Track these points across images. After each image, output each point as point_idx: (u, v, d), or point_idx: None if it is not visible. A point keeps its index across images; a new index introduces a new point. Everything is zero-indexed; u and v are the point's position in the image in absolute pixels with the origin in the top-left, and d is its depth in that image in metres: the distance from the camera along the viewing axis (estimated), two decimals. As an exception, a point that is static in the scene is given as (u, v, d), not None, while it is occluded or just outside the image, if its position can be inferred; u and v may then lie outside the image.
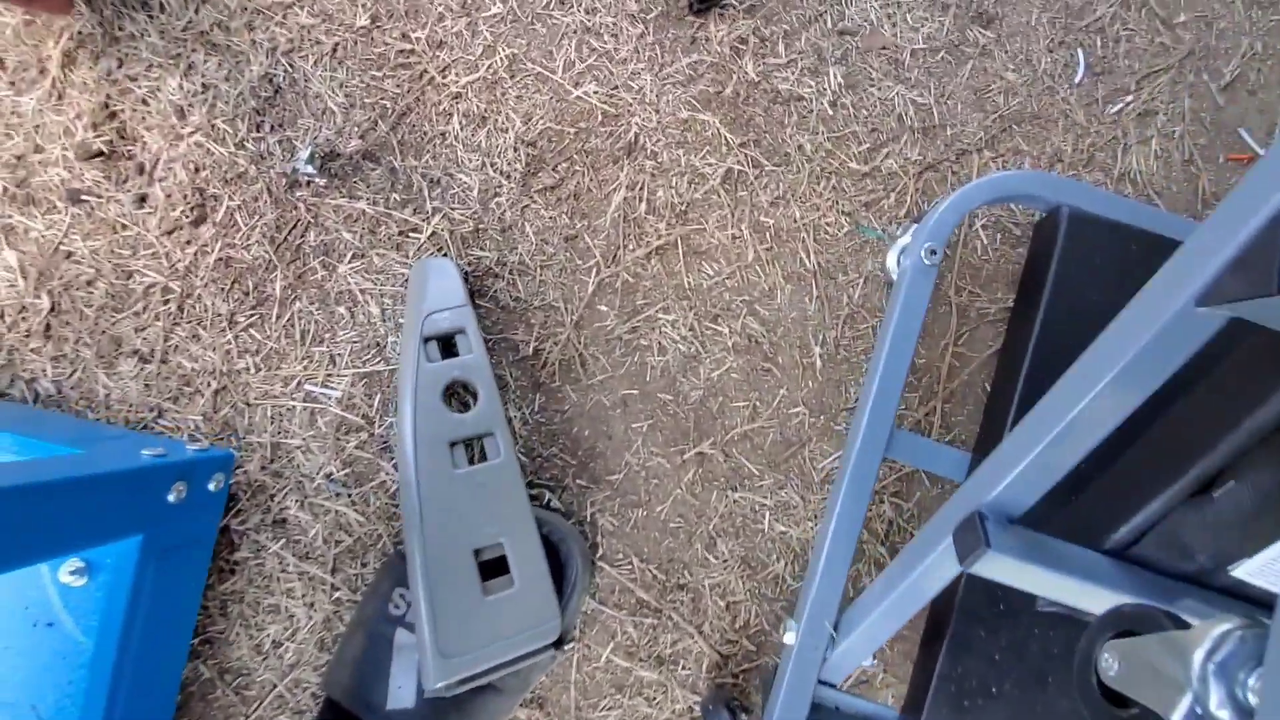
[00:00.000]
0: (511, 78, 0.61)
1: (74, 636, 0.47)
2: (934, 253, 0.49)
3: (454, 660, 0.46)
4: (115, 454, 0.43)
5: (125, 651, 0.46)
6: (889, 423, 0.49)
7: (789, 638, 0.47)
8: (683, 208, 0.60)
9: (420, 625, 0.47)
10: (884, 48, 0.62)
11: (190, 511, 0.45)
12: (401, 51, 0.61)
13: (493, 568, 0.50)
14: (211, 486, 0.47)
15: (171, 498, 0.43)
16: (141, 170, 0.61)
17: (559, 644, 0.52)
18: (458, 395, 0.55)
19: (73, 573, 0.46)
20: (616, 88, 0.61)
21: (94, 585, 0.46)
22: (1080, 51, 0.63)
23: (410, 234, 0.59)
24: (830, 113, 0.61)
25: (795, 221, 0.60)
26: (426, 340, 0.55)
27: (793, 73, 0.61)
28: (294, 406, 0.58)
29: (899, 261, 0.54)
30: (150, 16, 0.62)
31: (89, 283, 0.60)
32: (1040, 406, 0.33)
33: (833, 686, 0.48)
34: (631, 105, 0.61)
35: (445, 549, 0.48)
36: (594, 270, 0.59)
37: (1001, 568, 0.33)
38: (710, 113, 0.61)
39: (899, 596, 0.40)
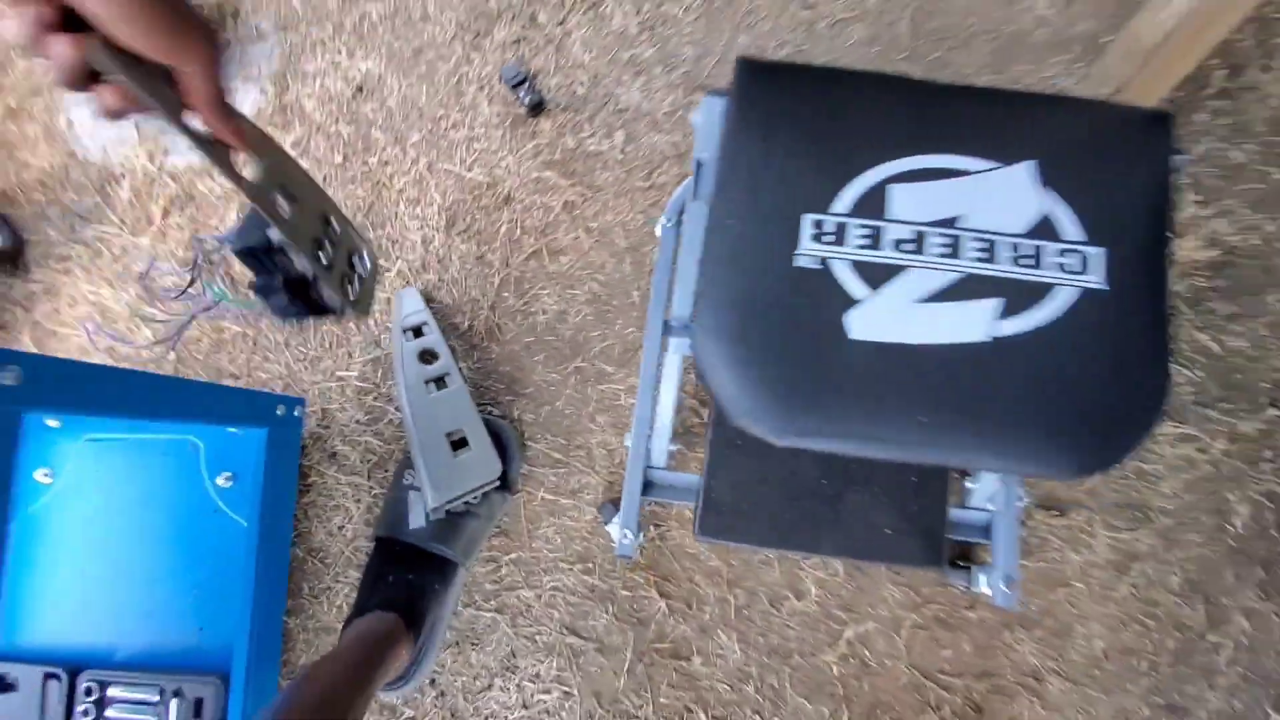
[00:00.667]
0: (430, 174, 1.02)
1: (231, 519, 0.82)
2: (669, 220, 0.88)
3: (442, 491, 0.82)
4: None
5: (265, 526, 0.81)
6: (662, 314, 0.86)
7: (627, 440, 0.83)
8: (543, 227, 0.99)
9: (421, 479, 0.83)
10: (647, 116, 1.03)
11: (288, 425, 0.82)
12: (364, 171, 1.02)
13: (458, 445, 0.86)
14: (296, 413, 0.84)
15: (279, 411, 0.79)
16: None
17: (510, 489, 0.87)
18: (426, 357, 0.92)
19: (225, 479, 0.82)
20: (494, 167, 1.02)
21: (239, 485, 0.82)
22: (768, 93, 1.04)
23: (385, 274, 0.98)
24: (621, 157, 1.01)
25: (611, 223, 0.99)
26: (405, 331, 0.92)
27: (595, 139, 1.02)
28: (331, 386, 0.95)
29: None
30: (214, 179, 1.03)
31: (196, 340, 0.98)
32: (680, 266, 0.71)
33: (659, 468, 0.83)
34: (504, 175, 1.01)
35: (429, 436, 0.85)
36: (497, 274, 0.98)
37: (679, 345, 0.70)
38: (551, 171, 1.01)
39: (662, 386, 0.76)
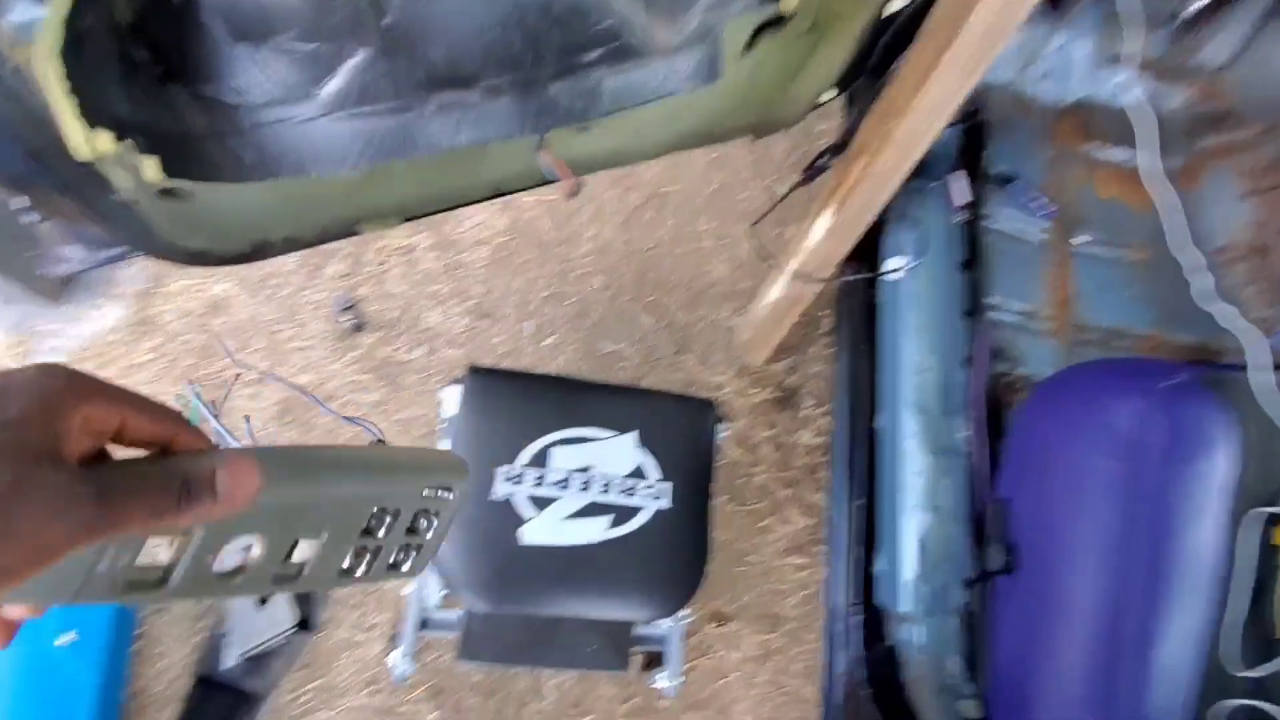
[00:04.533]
0: (266, 378, 1.30)
1: (73, 674, 1.01)
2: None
3: (249, 639, 1.06)
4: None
5: (103, 680, 1.01)
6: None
7: (408, 588, 1.13)
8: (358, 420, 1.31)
9: (230, 630, 1.07)
10: (444, 335, 1.40)
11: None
12: (215, 372, 1.29)
13: (263, 599, 1.11)
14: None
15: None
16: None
17: (311, 630, 1.14)
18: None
19: (66, 639, 1.02)
20: (320, 371, 1.32)
21: (81, 643, 1.02)
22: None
23: (222, 455, 1.24)
24: (423, 365, 1.36)
25: (412, 415, 1.32)
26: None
27: (403, 351, 1.37)
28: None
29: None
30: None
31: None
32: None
33: (434, 608, 1.14)
34: (328, 377, 1.32)
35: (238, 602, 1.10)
36: (318, 455, 1.27)
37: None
38: (367, 375, 1.34)
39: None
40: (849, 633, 0.91)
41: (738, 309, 1.51)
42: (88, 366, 1.25)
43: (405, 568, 0.37)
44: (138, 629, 1.12)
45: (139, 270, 1.31)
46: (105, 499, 0.22)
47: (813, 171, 0.96)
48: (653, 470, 0.96)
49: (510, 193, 0.90)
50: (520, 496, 0.91)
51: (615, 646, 1.18)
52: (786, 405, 1.46)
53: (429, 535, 0.37)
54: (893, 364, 1.03)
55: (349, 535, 0.33)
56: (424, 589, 1.14)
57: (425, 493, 0.36)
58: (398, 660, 1.10)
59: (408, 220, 0.85)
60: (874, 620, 0.92)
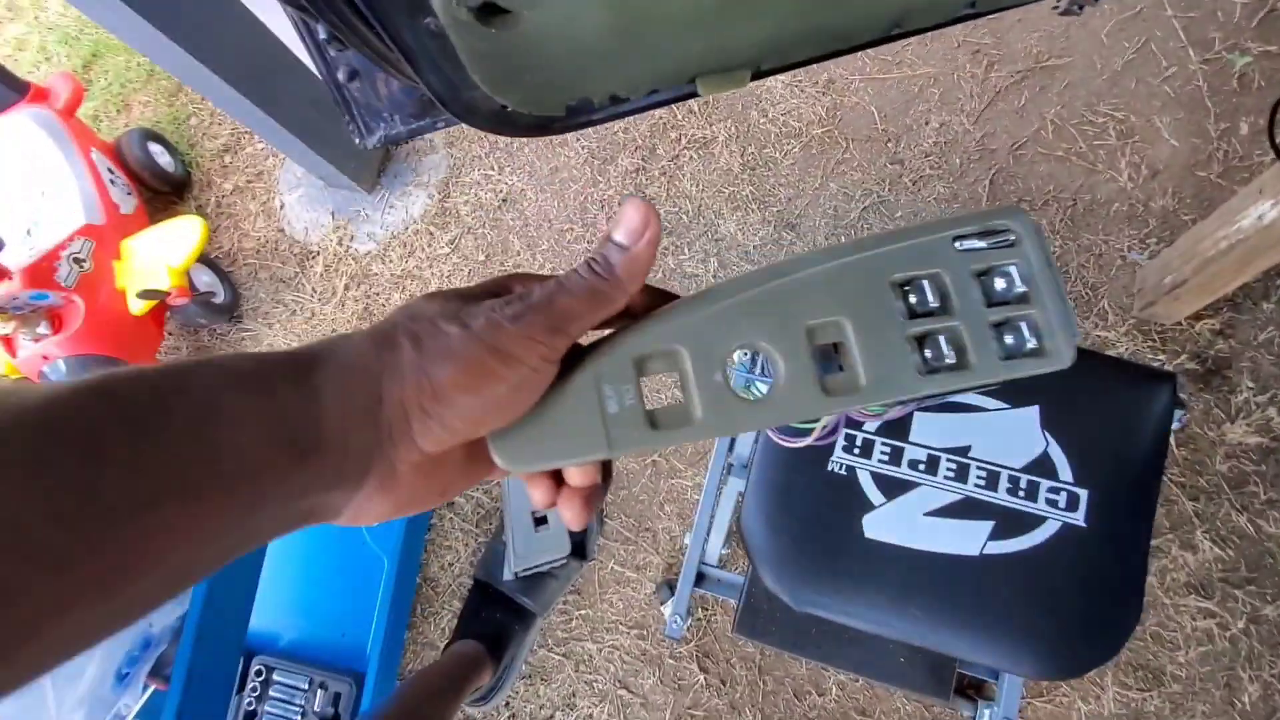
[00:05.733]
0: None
1: (375, 552, 1.05)
2: (747, 355, 1.03)
3: (521, 561, 1.01)
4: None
5: (400, 562, 1.04)
6: (725, 456, 1.02)
7: (687, 538, 0.99)
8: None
9: (508, 547, 1.03)
10: (740, 246, 1.18)
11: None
12: (500, 270, 1.23)
13: (540, 521, 1.05)
14: (429, 479, 1.06)
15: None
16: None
17: (585, 558, 1.06)
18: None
19: (372, 521, 1.05)
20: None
21: (383, 526, 1.05)
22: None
23: (506, 360, 1.19)
24: (713, 280, 1.17)
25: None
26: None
27: (693, 262, 1.18)
28: (454, 448, 1.17)
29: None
30: (385, 263, 1.27)
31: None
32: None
33: (712, 565, 0.99)
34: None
35: (518, 511, 1.04)
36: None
37: (735, 483, 0.85)
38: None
39: (719, 506, 0.92)
40: None
41: (1145, 236, 1.06)
42: (395, 255, 1.27)
43: (1031, 343, 0.27)
44: (430, 520, 1.14)
45: (442, 158, 1.27)
46: (545, 311, 0.25)
47: None
48: (1063, 466, 0.66)
49: (915, 31, 0.61)
50: (866, 474, 0.67)
51: (934, 667, 0.93)
52: (1210, 383, 1.01)
53: (1021, 293, 0.27)
54: None
55: (883, 321, 0.27)
56: (704, 544, 0.99)
57: (960, 245, 0.28)
58: (671, 615, 0.97)
59: (757, 77, 0.62)
60: None
